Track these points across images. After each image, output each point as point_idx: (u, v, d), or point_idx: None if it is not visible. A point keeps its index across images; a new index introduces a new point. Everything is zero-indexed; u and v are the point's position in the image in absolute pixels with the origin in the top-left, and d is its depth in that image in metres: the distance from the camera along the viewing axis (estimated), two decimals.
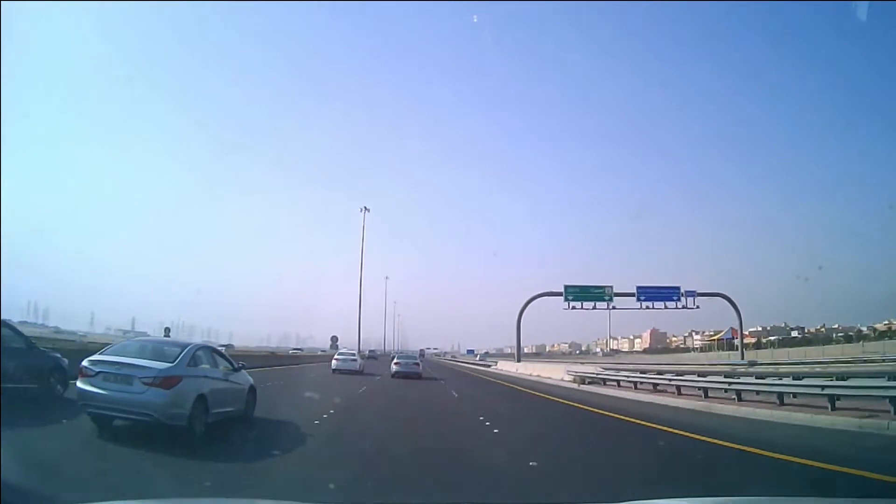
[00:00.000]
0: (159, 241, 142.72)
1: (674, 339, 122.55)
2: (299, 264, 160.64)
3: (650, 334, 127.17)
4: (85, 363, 6.25)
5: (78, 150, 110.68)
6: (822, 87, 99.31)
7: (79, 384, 6.22)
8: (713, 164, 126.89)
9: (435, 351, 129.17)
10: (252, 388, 8.42)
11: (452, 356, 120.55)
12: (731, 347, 62.68)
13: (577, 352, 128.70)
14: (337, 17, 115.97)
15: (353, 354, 29.19)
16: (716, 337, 76.35)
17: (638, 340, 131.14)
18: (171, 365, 6.23)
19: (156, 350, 6.84)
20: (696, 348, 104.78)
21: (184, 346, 6.97)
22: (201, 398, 6.41)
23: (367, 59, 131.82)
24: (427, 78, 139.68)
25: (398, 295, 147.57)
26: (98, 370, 6.07)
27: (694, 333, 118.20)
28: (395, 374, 24.01)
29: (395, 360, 26.21)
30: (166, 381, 5.97)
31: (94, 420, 6.36)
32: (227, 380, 7.54)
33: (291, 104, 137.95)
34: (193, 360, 6.72)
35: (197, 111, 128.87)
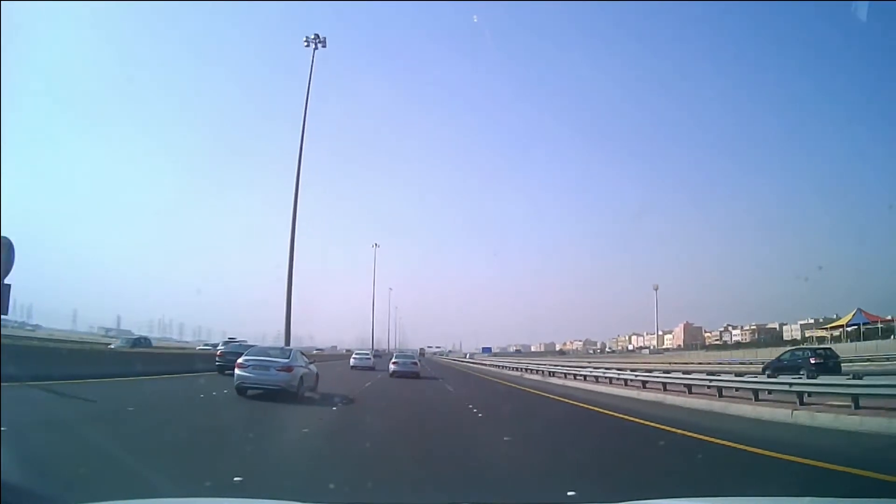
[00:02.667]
0: (150, 240, 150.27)
1: (708, 334, 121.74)
2: (296, 263, 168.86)
3: (683, 329, 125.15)
4: (240, 360, 12.91)
5: (66, 147, 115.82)
6: (822, 87, 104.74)
7: (237, 371, 12.77)
8: (712, 164, 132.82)
9: (438, 349, 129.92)
10: (318, 374, 15.19)
11: (467, 355, 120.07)
12: (859, 336, 48.88)
13: (592, 350, 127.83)
14: (336, 18, 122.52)
15: (367, 354, 37.90)
16: (842, 322, 58.00)
17: (669, 336, 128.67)
18: (288, 360, 12.91)
19: (271, 352, 13.55)
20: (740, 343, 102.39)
21: (289, 350, 13.74)
22: (301, 378, 13.04)
23: (366, 59, 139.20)
24: (426, 77, 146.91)
25: (396, 293, 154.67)
26: (249, 364, 12.68)
27: (731, 328, 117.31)
28: (394, 374, 26.26)
29: (393, 360, 28.93)
30: (288, 368, 12.61)
31: (238, 390, 12.89)
32: (308, 368, 14.20)
33: (289, 103, 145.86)
34: (296, 357, 13.41)
35: (194, 109, 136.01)
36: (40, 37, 77.54)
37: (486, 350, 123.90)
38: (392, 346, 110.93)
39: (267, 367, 12.50)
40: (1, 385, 8.46)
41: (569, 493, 5.06)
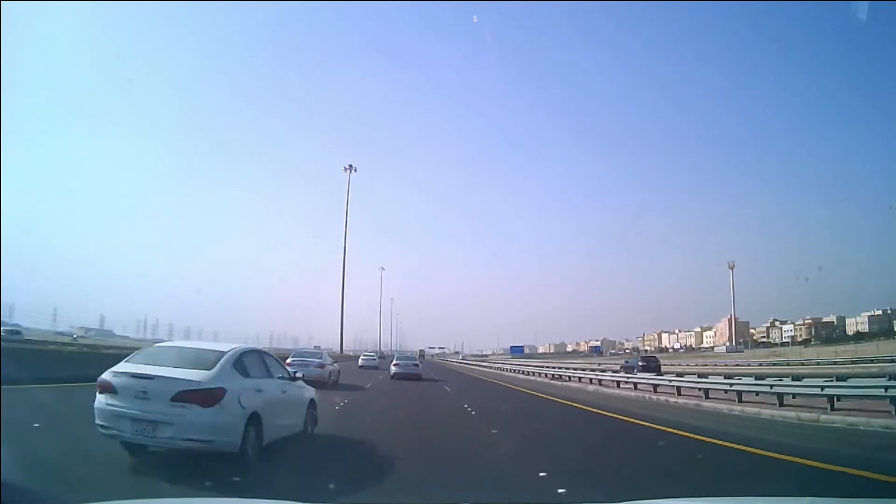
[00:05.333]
0: (138, 239, 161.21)
1: (753, 330, 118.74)
2: (292, 265, 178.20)
3: (728, 324, 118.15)
4: (288, 360, 20.09)
5: (51, 144, 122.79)
6: (822, 87, 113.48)
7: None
8: (712, 164, 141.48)
9: (440, 350, 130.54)
10: (339, 370, 22.32)
11: (461, 356, 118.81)
12: None
13: (612, 352, 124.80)
14: (335, 18, 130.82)
15: (373, 356, 48.53)
16: None
17: (709, 333, 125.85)
18: (321, 360, 20.13)
19: (307, 354, 20.90)
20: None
21: (321, 352, 21.18)
22: (330, 372, 20.14)
23: (365, 59, 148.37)
24: (426, 77, 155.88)
25: (395, 294, 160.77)
26: (295, 363, 19.67)
27: (777, 322, 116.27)
28: (395, 376, 27.78)
29: (394, 362, 30.99)
30: (321, 365, 19.66)
31: None
32: (333, 366, 21.25)
33: (287, 104, 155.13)
34: (326, 357, 20.78)
35: (186, 108, 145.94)
36: (40, 36, 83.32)
37: (517, 350, 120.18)
38: (392, 347, 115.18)
39: (307, 365, 19.47)
40: (1, 386, 9.08)
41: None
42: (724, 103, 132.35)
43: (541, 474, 6.62)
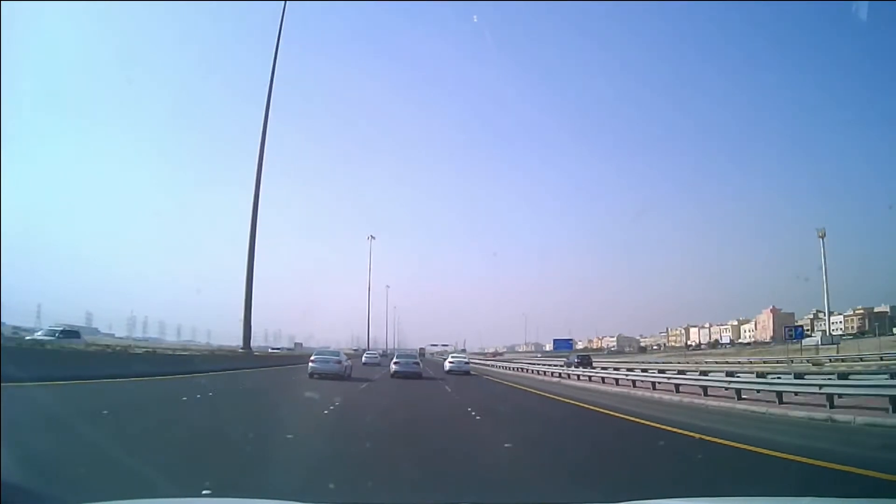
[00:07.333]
0: (130, 236, 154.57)
1: (797, 322, 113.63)
2: (290, 264, 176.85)
3: (770, 316, 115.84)
4: (312, 357, 25.60)
5: (52, 142, 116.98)
6: (822, 87, 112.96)
7: (310, 364, 25.18)
8: (712, 164, 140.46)
9: (442, 348, 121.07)
10: (351, 366, 27.66)
11: (501, 355, 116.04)
12: None
13: (628, 348, 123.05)
14: (333, 16, 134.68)
15: (375, 354, 55.15)
16: None
17: (748, 326, 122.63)
18: (338, 357, 25.43)
19: (327, 353, 26.26)
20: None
21: (338, 351, 26.57)
22: (345, 367, 25.41)
23: (364, 59, 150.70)
24: (426, 77, 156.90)
25: (394, 292, 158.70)
26: (317, 360, 25.06)
27: (820, 313, 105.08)
28: (395, 374, 29.24)
29: (394, 360, 32.11)
30: (339, 362, 24.94)
31: (309, 375, 24.94)
32: (348, 362, 26.52)
33: (286, 102, 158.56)
34: (342, 356, 26.04)
35: (190, 108, 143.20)
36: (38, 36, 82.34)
37: (564, 345, 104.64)
38: (389, 345, 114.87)
39: (328, 362, 24.71)
40: (1, 385, 9.43)
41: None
42: (724, 103, 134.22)
43: None
